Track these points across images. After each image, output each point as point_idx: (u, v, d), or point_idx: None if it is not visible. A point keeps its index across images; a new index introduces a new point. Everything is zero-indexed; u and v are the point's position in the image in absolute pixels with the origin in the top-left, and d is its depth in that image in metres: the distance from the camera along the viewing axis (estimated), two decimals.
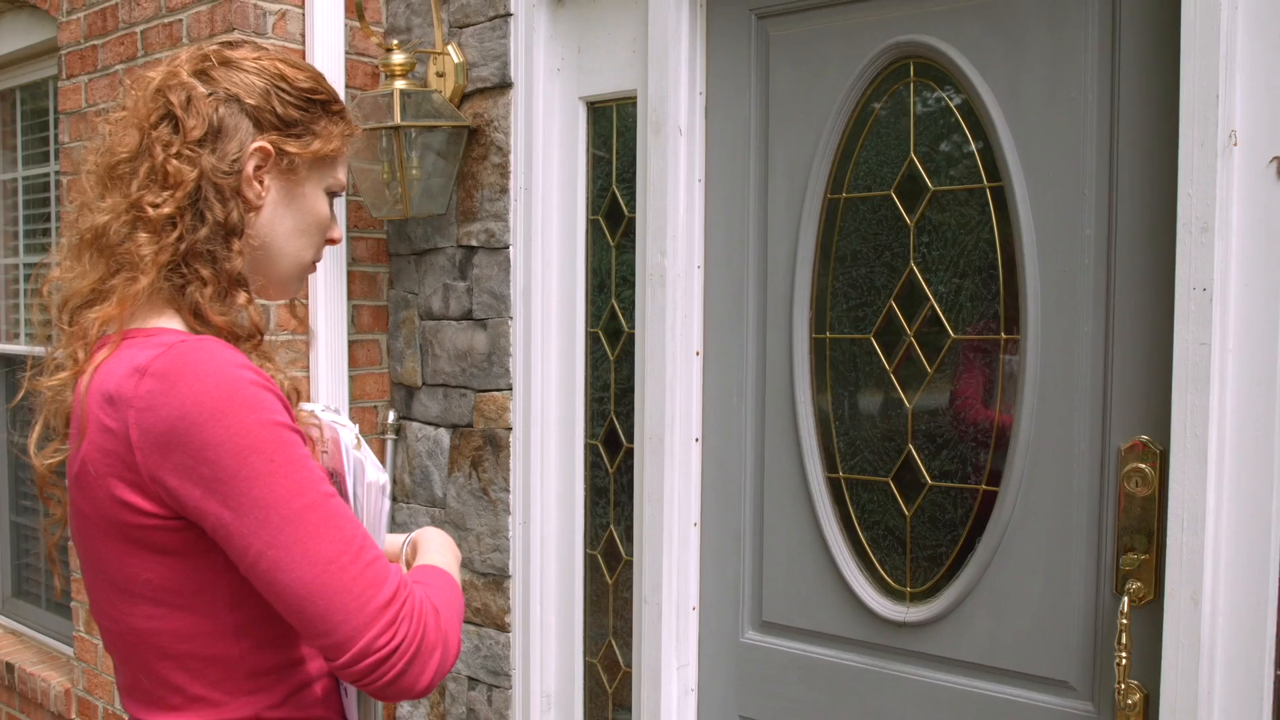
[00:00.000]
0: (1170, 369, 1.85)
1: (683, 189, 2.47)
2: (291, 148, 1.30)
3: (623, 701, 2.79)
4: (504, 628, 2.90)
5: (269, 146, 1.29)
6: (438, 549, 1.42)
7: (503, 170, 2.83)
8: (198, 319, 1.26)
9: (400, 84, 2.81)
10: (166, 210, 1.23)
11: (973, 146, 2.16)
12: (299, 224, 1.35)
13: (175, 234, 1.24)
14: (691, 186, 2.49)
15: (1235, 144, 1.78)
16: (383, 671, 1.16)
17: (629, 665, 2.74)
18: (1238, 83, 1.78)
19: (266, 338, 1.32)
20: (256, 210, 1.30)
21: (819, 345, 2.39)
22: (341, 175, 1.40)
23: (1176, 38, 1.84)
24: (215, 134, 1.26)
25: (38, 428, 1.28)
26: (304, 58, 2.96)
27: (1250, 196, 1.78)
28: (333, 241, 1.42)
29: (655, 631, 2.54)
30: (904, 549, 2.28)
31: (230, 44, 1.34)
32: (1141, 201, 1.97)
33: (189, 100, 1.26)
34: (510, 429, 2.86)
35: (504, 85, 2.82)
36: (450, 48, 2.92)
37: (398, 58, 2.84)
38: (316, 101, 1.34)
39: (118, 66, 3.26)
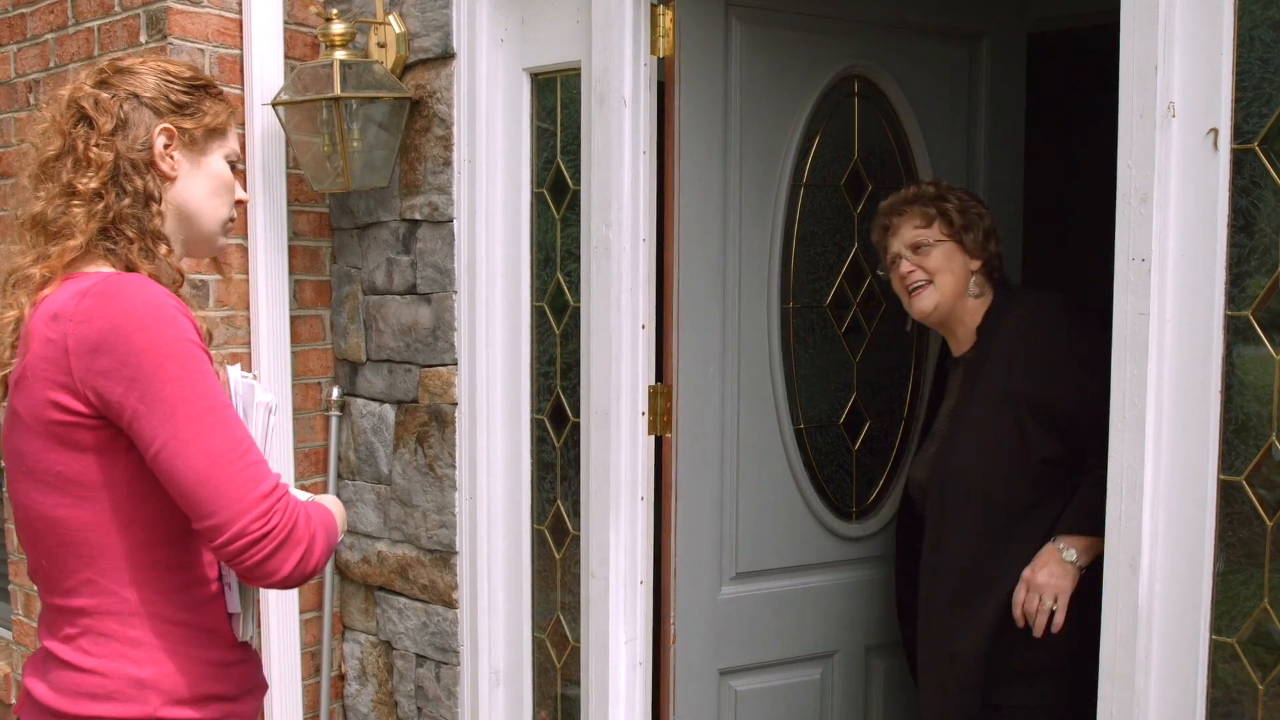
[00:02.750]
0: None
1: (628, 161, 2.45)
2: (188, 124, 1.58)
3: (572, 676, 2.79)
4: (451, 604, 2.88)
5: (171, 127, 1.56)
6: (329, 501, 1.64)
7: (446, 143, 2.79)
8: (129, 270, 1.50)
9: (340, 54, 2.75)
10: (93, 185, 1.50)
11: (895, 149, 2.78)
12: (210, 186, 1.62)
13: (103, 204, 1.51)
14: (637, 159, 2.47)
15: (1174, 115, 1.79)
16: (253, 553, 1.40)
17: (578, 640, 2.73)
18: (1176, 55, 1.79)
19: (206, 313, 1.56)
20: (172, 180, 1.58)
21: (785, 314, 2.67)
22: (234, 144, 1.66)
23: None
24: (123, 125, 1.53)
25: None
26: (241, 28, 2.91)
27: (1188, 168, 1.80)
28: (241, 203, 1.68)
29: (603, 606, 2.54)
30: (852, 478, 2.82)
31: (118, 59, 1.62)
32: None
33: (97, 103, 1.54)
34: (456, 404, 2.83)
35: (447, 56, 2.78)
36: (391, 18, 2.87)
37: (337, 28, 2.78)
38: (199, 86, 1.61)
39: (48, 35, 3.17)
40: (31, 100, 3.23)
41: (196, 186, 1.60)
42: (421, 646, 2.98)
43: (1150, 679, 1.87)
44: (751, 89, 2.55)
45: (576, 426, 2.70)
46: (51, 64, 3.16)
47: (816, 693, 2.75)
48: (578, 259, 2.65)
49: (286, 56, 2.96)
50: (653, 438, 2.54)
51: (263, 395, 1.56)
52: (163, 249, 1.54)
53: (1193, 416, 1.82)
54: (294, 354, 3.04)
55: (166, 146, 1.56)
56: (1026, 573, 2.19)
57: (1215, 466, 1.81)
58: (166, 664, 1.48)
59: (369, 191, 2.94)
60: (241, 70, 2.91)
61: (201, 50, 2.84)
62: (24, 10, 3.24)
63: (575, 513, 2.73)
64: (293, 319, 3.03)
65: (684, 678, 2.58)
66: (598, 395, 2.51)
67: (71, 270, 1.50)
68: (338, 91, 2.69)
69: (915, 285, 2.37)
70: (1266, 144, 1.75)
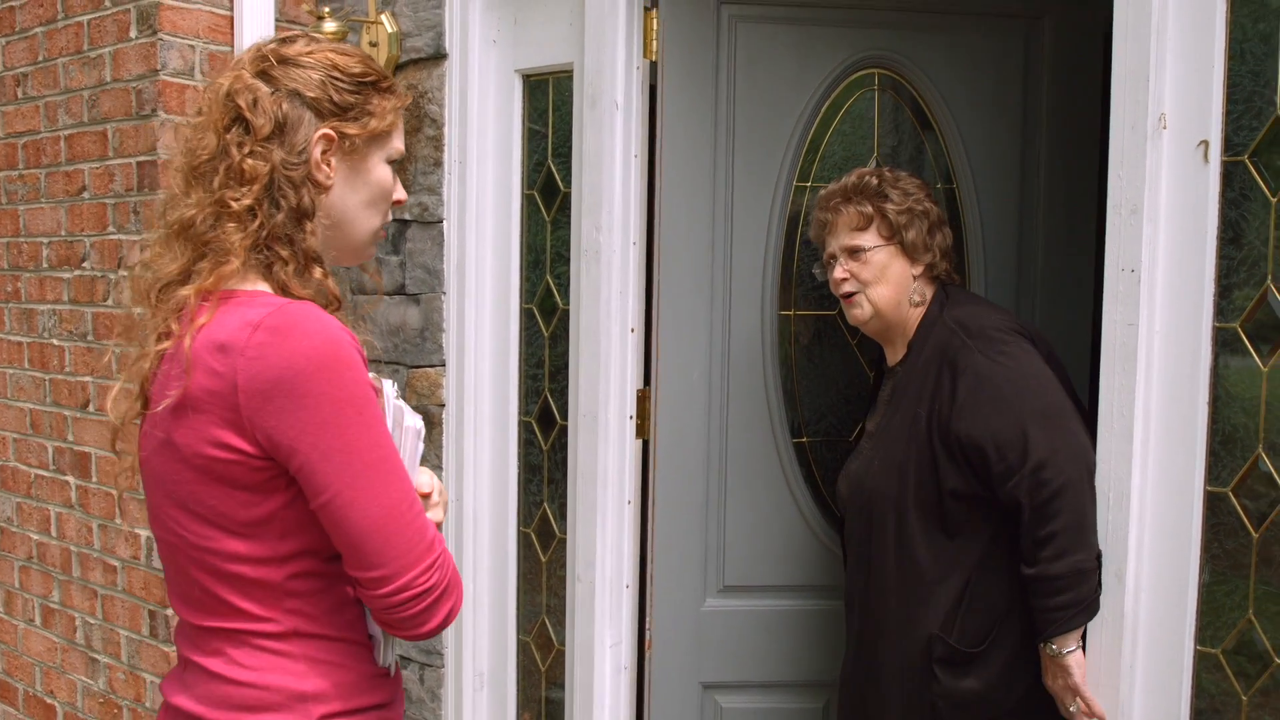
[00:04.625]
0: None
1: (619, 164, 2.45)
2: (351, 130, 1.45)
3: (556, 680, 2.78)
4: None
5: (332, 133, 1.44)
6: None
7: (437, 143, 2.79)
8: (284, 292, 1.42)
9: None
10: (247, 202, 1.40)
11: (925, 147, 2.55)
12: (367, 196, 1.50)
13: (256, 222, 1.40)
14: (628, 162, 2.47)
15: (1165, 127, 1.80)
16: (413, 605, 1.37)
17: (563, 644, 2.73)
18: (1168, 66, 1.80)
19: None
20: (326, 190, 1.46)
21: (784, 322, 2.56)
22: (399, 143, 1.53)
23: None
24: (281, 129, 1.42)
25: (116, 389, 1.46)
26: (232, 25, 2.89)
27: (1179, 179, 1.80)
28: (398, 203, 1.57)
29: (588, 609, 2.53)
30: None
31: (285, 40, 1.49)
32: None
33: (255, 101, 1.42)
34: (443, 405, 2.82)
35: (438, 56, 2.77)
36: (384, 17, 2.86)
37: (329, 26, 2.77)
38: (368, 83, 1.48)
39: (37, 29, 3.15)
40: (20, 94, 3.21)
41: (352, 197, 1.49)
42: (405, 648, 2.97)
43: (1135, 688, 1.88)
44: (749, 89, 2.49)
45: (564, 429, 2.69)
46: (40, 58, 3.14)
47: None
48: (567, 261, 2.65)
49: None
50: (640, 442, 2.54)
51: (411, 419, 1.50)
52: (318, 272, 1.45)
53: (1180, 427, 1.83)
54: None
55: (324, 153, 1.45)
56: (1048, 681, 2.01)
57: (1202, 477, 1.82)
58: (326, 678, 1.44)
59: None
60: None
61: (192, 46, 2.83)
62: (12, 3, 3.22)
63: (562, 515, 2.72)
64: None
65: (661, 685, 2.57)
66: (586, 398, 2.51)
67: (225, 286, 1.41)
68: None
69: (848, 294, 2.21)
70: (1257, 156, 1.76)
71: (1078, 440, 1.96)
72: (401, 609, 1.38)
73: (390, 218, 1.58)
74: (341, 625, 1.46)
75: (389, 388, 1.49)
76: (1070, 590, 1.91)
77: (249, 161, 1.40)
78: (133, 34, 2.85)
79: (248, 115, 1.42)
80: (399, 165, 1.59)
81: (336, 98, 1.45)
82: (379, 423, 1.37)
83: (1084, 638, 1.95)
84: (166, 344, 1.40)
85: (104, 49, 2.93)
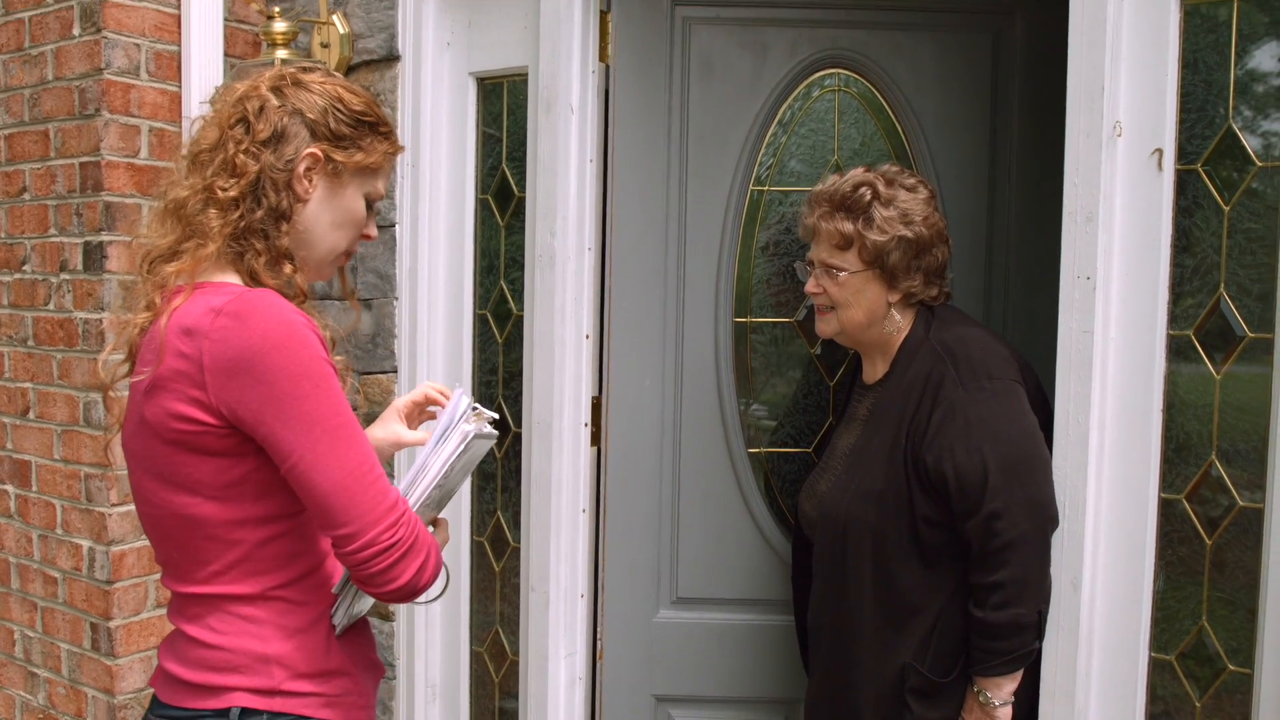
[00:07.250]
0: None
1: (574, 169, 2.43)
2: (338, 156, 1.61)
3: (510, 690, 2.74)
4: (388, 616, 2.83)
5: (319, 153, 1.60)
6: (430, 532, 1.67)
7: None
8: (254, 281, 1.57)
9: (282, 53, 2.69)
10: (232, 193, 1.55)
11: (889, 149, 2.48)
12: (337, 218, 1.65)
13: (238, 213, 1.56)
14: (583, 167, 2.44)
15: (1120, 135, 1.81)
16: (378, 561, 1.48)
17: (517, 654, 2.69)
18: (1122, 75, 1.81)
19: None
20: (304, 202, 1.61)
21: (740, 330, 2.52)
22: (380, 187, 1.69)
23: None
24: (278, 138, 1.58)
25: (107, 351, 1.64)
26: (180, 23, 2.83)
27: (1133, 187, 1.81)
28: (367, 237, 1.72)
29: (542, 619, 2.50)
30: None
31: (306, 69, 1.67)
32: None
33: (261, 109, 1.59)
34: None
35: (391, 58, 2.73)
36: (335, 17, 2.81)
37: (279, 26, 2.72)
38: (365, 122, 1.64)
39: None
40: None
41: (323, 215, 1.64)
42: None
43: (1090, 695, 1.88)
44: (703, 92, 2.47)
45: (518, 437, 2.66)
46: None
47: None
48: (522, 267, 2.62)
49: (226, 54, 2.89)
50: (595, 449, 2.52)
51: (453, 445, 1.61)
52: (288, 268, 1.60)
53: (1135, 434, 1.84)
54: None
55: (308, 170, 1.60)
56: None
57: (1156, 484, 1.83)
58: (289, 641, 1.55)
59: None
60: (179, 67, 2.84)
61: (138, 45, 2.77)
62: None
63: (516, 524, 2.69)
64: None
65: (612, 697, 2.55)
66: (540, 406, 2.48)
67: (200, 277, 1.56)
68: None
69: (819, 306, 2.14)
70: (1209, 165, 1.77)
71: (1040, 494, 1.90)
72: (370, 564, 1.48)
73: (356, 247, 1.71)
74: (310, 589, 1.58)
75: (461, 397, 1.63)
76: (1005, 639, 1.90)
77: (241, 157, 1.56)
78: (76, 32, 2.78)
79: (251, 119, 1.58)
80: (376, 207, 1.73)
81: (333, 125, 1.60)
82: (336, 394, 1.49)
83: (1020, 701, 1.96)
84: (149, 314, 1.54)
85: (45, 47, 2.86)
